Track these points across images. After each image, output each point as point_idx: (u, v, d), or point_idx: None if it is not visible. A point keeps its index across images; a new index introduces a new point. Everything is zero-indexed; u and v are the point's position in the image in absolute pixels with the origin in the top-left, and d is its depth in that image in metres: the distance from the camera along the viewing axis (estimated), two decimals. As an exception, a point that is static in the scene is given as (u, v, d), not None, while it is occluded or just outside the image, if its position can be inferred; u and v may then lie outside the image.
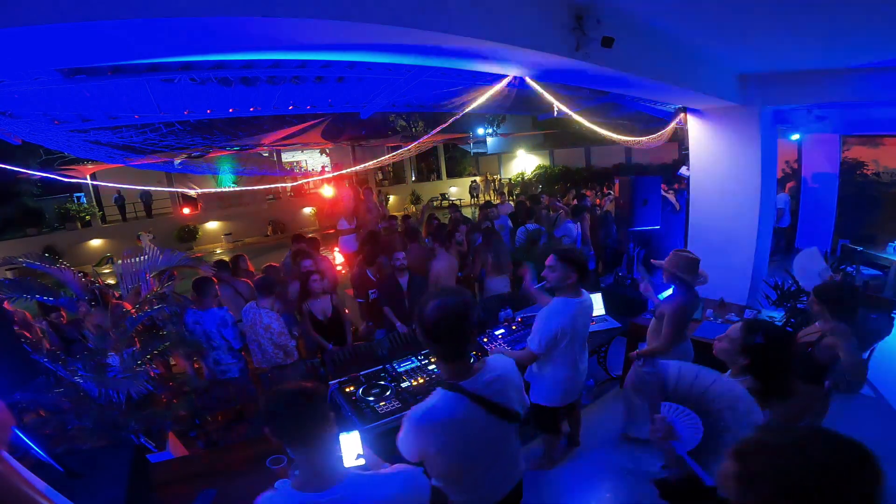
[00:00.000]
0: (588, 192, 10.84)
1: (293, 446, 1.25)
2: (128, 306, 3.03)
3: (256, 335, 3.82)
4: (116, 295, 3.78)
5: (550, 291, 2.76)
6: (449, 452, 1.53)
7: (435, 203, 20.67)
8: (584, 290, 2.71)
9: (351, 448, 1.60)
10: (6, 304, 2.83)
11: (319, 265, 4.92)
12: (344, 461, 1.53)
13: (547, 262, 2.66)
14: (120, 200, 16.11)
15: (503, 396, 1.60)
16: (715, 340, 2.03)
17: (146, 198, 16.24)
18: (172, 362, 4.21)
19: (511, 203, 10.13)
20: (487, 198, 19.62)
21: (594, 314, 3.90)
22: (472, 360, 1.60)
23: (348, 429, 1.79)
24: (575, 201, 8.23)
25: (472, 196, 21.17)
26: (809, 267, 3.93)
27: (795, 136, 7.81)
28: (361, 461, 1.56)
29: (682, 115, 5.09)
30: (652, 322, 3.18)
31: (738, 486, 0.93)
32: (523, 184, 20.59)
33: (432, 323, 1.47)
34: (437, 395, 1.55)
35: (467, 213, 13.82)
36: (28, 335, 3.83)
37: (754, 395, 1.83)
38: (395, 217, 7.47)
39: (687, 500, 1.46)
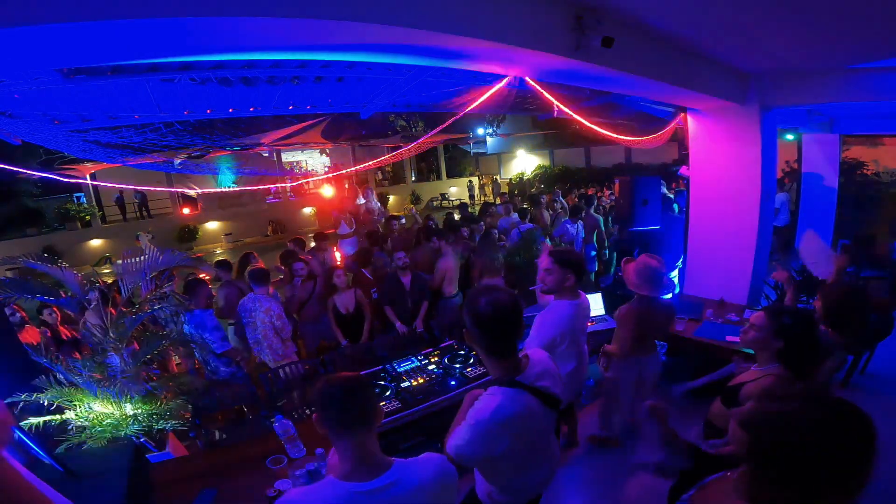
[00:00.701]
0: (590, 190, 10.83)
1: (343, 432, 1.23)
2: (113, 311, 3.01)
3: (255, 323, 3.81)
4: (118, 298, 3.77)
5: (548, 293, 2.70)
6: (515, 449, 1.54)
7: (435, 203, 20.67)
8: (581, 292, 2.65)
9: None
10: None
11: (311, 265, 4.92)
12: None
13: (543, 265, 2.59)
14: (121, 200, 16.08)
15: (553, 387, 1.63)
16: (740, 333, 2.09)
17: (140, 198, 16.19)
18: (177, 361, 4.21)
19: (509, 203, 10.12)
20: (484, 198, 19.61)
21: (594, 314, 3.92)
22: (520, 356, 1.63)
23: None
24: (576, 200, 8.23)
25: (470, 196, 21.17)
26: (816, 252, 3.89)
27: (791, 137, 7.81)
28: None
29: (681, 114, 5.09)
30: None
31: (750, 458, 0.99)
32: (520, 184, 20.60)
33: (487, 318, 1.49)
34: (498, 393, 1.53)
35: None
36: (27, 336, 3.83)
37: (782, 384, 1.84)
38: (394, 217, 7.46)
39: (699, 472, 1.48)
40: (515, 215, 7.01)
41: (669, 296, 4.16)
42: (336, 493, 1.19)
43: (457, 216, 7.55)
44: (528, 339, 2.60)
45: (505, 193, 20.02)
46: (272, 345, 3.88)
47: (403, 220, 7.79)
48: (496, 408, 1.49)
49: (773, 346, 1.91)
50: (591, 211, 7.04)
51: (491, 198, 19.90)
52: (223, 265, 4.90)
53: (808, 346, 1.89)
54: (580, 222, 6.67)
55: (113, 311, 2.67)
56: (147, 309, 2.80)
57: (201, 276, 4.95)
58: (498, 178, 22.87)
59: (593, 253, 6.83)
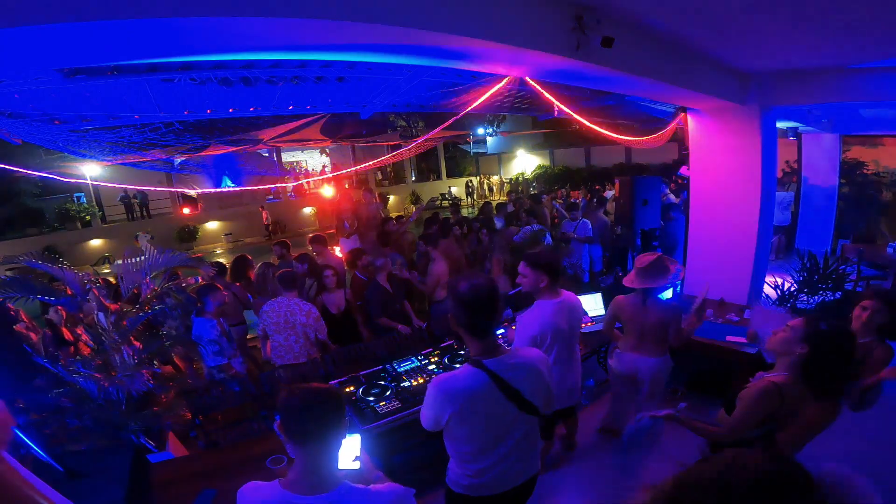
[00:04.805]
0: (576, 193, 10.83)
1: (295, 443, 1.26)
2: (114, 307, 3.01)
3: (287, 328, 3.71)
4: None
5: (529, 296, 2.72)
6: (462, 421, 1.63)
7: (436, 203, 20.69)
8: (563, 291, 2.68)
9: (349, 450, 1.60)
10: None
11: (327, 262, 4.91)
12: (340, 462, 1.53)
13: (519, 269, 2.68)
14: (126, 199, 15.96)
15: (524, 385, 1.66)
16: (771, 333, 2.03)
17: (141, 198, 16.12)
18: (194, 360, 4.14)
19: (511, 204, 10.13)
20: (484, 198, 19.64)
21: (594, 314, 3.92)
22: (498, 342, 1.72)
23: (349, 430, 1.80)
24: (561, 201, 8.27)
25: (469, 195, 21.18)
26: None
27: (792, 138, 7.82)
28: (357, 464, 1.56)
29: (681, 115, 5.08)
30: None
31: None
32: (516, 184, 20.64)
33: (466, 298, 1.62)
34: (461, 368, 1.69)
35: (465, 213, 13.82)
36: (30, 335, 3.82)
37: (778, 390, 1.82)
38: (398, 217, 7.44)
39: None
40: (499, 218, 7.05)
41: (669, 293, 4.16)
42: (273, 496, 1.24)
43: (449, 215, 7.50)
44: (515, 339, 2.63)
45: (512, 192, 20.06)
46: (300, 350, 3.78)
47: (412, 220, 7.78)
48: (447, 378, 1.66)
49: (795, 350, 1.86)
50: (601, 214, 7.05)
51: (488, 196, 19.91)
52: (218, 268, 4.75)
53: (833, 360, 1.82)
54: (584, 220, 6.61)
55: (116, 306, 2.67)
56: (147, 309, 2.81)
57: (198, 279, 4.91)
58: (492, 178, 22.80)
59: (599, 254, 6.82)
